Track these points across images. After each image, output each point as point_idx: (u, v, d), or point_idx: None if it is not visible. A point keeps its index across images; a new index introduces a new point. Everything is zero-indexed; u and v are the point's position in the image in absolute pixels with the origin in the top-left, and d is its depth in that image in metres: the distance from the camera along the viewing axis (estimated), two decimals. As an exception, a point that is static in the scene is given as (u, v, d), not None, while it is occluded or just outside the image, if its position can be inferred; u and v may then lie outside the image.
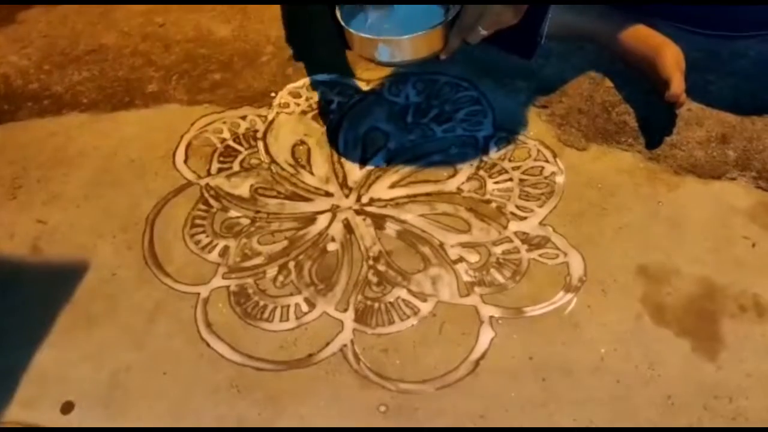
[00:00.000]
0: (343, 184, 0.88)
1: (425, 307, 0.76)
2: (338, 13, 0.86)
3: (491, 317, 0.75)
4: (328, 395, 0.71)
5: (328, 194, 0.87)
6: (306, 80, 1.00)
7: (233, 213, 0.86)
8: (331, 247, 0.82)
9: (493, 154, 0.89)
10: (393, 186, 0.87)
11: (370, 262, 0.80)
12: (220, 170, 0.91)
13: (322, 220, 0.85)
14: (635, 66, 0.93)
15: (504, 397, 0.69)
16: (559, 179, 0.86)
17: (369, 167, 0.89)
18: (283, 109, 0.97)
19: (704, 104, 0.91)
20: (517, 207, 0.84)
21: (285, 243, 0.83)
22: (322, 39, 1.04)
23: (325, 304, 0.77)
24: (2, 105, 1.02)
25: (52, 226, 0.87)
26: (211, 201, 0.88)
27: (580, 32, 0.97)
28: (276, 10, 1.11)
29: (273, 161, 0.91)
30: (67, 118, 0.99)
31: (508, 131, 0.91)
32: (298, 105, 0.97)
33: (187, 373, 0.73)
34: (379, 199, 0.86)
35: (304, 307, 0.77)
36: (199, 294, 0.79)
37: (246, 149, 0.93)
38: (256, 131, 0.95)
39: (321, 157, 0.91)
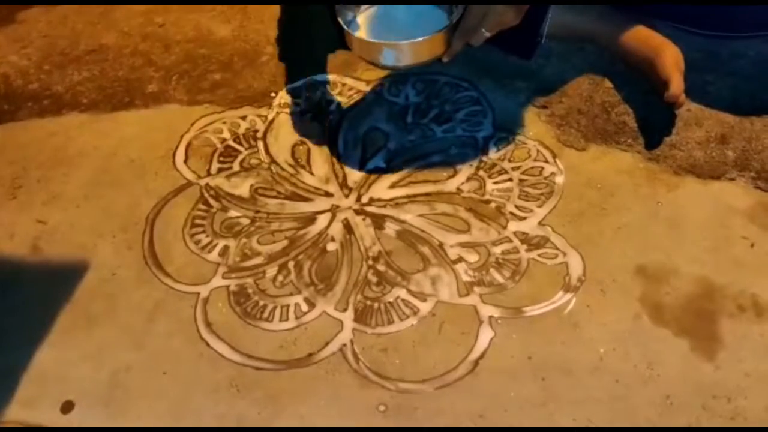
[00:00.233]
0: (343, 184, 0.88)
1: (425, 307, 0.76)
2: (339, 17, 0.86)
3: (490, 317, 0.75)
4: (327, 395, 0.71)
5: (327, 194, 0.87)
6: (306, 80, 1.00)
7: (233, 213, 0.86)
8: (331, 247, 0.82)
9: (493, 155, 0.89)
10: (393, 186, 0.87)
11: (370, 262, 0.80)
12: (220, 170, 0.91)
13: (322, 220, 0.85)
14: (635, 66, 0.93)
15: (503, 397, 0.69)
16: (559, 179, 0.86)
17: (369, 167, 0.89)
18: (283, 109, 0.97)
19: (703, 105, 0.91)
20: (517, 207, 0.84)
21: (285, 243, 0.83)
22: (322, 39, 1.04)
23: (324, 303, 0.77)
24: (2, 105, 1.02)
25: (52, 226, 0.87)
26: (211, 201, 0.88)
27: (580, 33, 0.97)
28: (276, 10, 1.10)
29: (273, 161, 0.91)
30: (67, 118, 0.99)
31: (507, 131, 0.91)
32: (298, 105, 0.97)
33: (186, 372, 0.73)
34: (378, 199, 0.86)
35: (304, 307, 0.77)
36: (198, 294, 0.79)
37: (246, 149, 0.93)
38: (256, 131, 0.95)
39: (321, 157, 0.91)
